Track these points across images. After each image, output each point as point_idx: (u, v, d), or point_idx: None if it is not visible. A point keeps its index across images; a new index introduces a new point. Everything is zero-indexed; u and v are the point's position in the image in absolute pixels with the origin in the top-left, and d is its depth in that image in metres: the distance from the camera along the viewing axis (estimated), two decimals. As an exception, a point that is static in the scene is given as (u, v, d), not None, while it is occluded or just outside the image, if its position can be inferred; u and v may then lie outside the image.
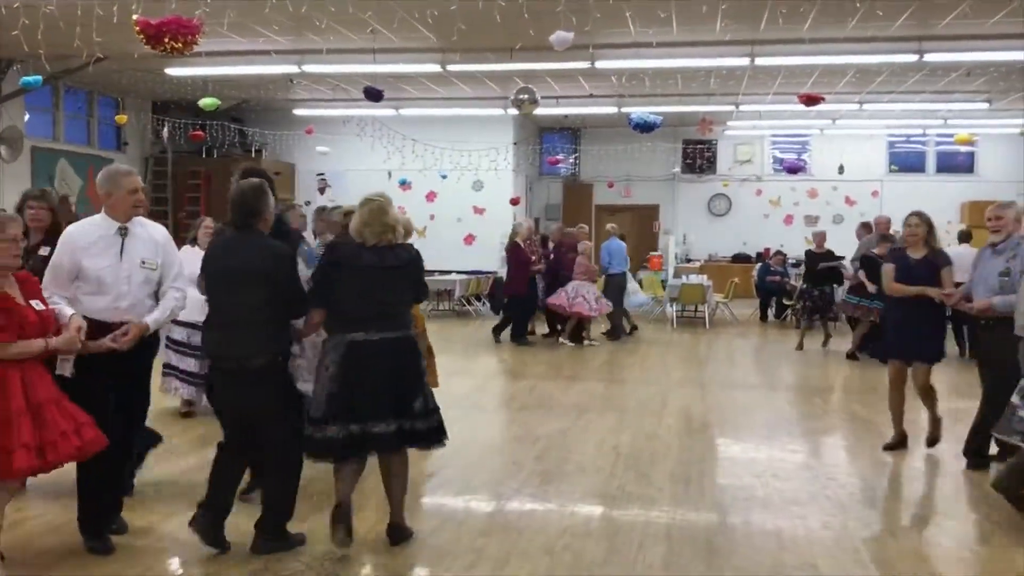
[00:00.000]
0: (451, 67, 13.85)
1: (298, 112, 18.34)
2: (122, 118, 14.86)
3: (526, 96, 10.41)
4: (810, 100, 11.40)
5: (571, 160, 22.11)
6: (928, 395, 6.46)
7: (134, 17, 6.14)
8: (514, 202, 19.05)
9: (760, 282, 16.13)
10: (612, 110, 17.86)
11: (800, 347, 12.21)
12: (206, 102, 12.69)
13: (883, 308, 7.05)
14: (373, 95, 11.35)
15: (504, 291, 12.81)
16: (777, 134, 21.27)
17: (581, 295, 12.35)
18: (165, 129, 15.79)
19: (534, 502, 5.36)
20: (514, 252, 12.69)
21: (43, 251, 4.85)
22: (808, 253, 13.13)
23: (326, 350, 4.39)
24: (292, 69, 13.80)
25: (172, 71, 14.19)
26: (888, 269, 6.47)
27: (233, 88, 15.89)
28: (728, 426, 7.72)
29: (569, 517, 5.08)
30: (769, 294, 16.04)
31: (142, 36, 6.05)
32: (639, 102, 16.98)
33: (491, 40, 11.94)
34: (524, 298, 12.67)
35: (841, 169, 19.64)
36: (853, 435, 7.30)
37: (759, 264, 17.31)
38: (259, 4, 9.47)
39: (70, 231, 4.43)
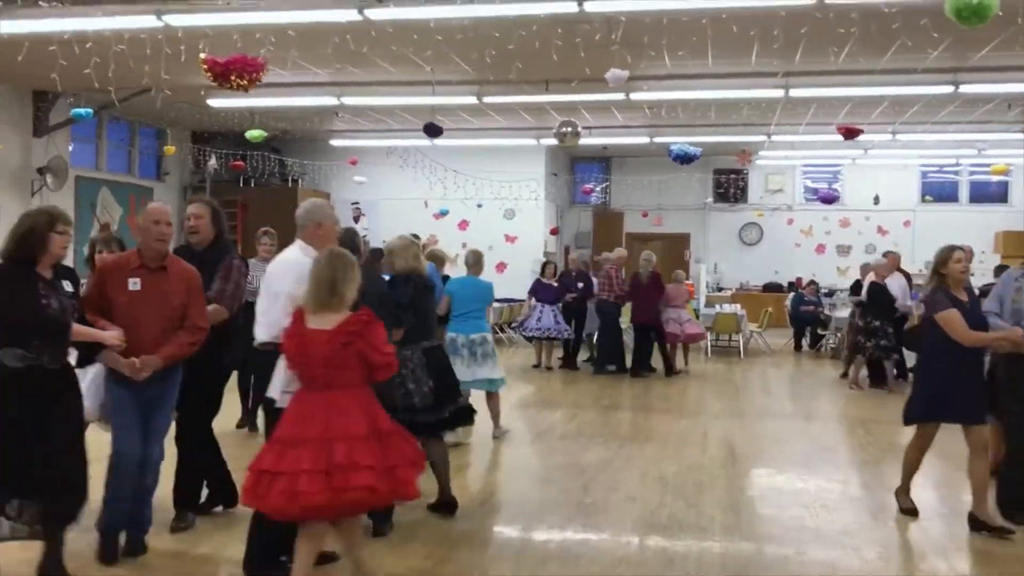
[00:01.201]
0: (487, 99, 14.06)
1: (334, 143, 18.64)
2: (170, 149, 15.18)
3: (568, 129, 10.58)
4: (849, 133, 11.42)
5: (601, 189, 22.27)
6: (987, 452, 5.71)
7: (201, 56, 6.33)
8: (553, 232, 19.25)
9: (794, 312, 16.09)
10: (644, 140, 18.01)
11: (855, 383, 11.35)
12: (253, 134, 12.94)
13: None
14: (432, 131, 11.71)
15: (633, 320, 12.51)
16: (809, 164, 21.32)
17: (687, 320, 12.86)
18: (213, 159, 16.12)
19: (587, 531, 5.41)
20: (654, 281, 12.61)
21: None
22: (875, 287, 11.22)
23: (406, 356, 5.21)
24: (332, 101, 14.07)
25: (214, 102, 14.50)
26: (956, 316, 5.35)
27: (279, 120, 16.15)
28: (771, 456, 7.73)
29: (624, 546, 5.13)
30: (803, 324, 16.00)
31: (209, 74, 6.24)
32: (671, 132, 17.12)
33: (528, 73, 12.15)
34: (651, 328, 12.60)
35: (877, 200, 19.64)
36: (898, 467, 7.26)
37: (793, 294, 17.26)
38: (321, 43, 9.72)
39: (295, 259, 4.35)
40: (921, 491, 6.48)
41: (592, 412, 9.63)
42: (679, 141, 15.72)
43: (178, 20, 9.44)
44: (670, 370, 12.44)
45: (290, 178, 18.93)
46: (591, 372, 12.62)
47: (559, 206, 21.70)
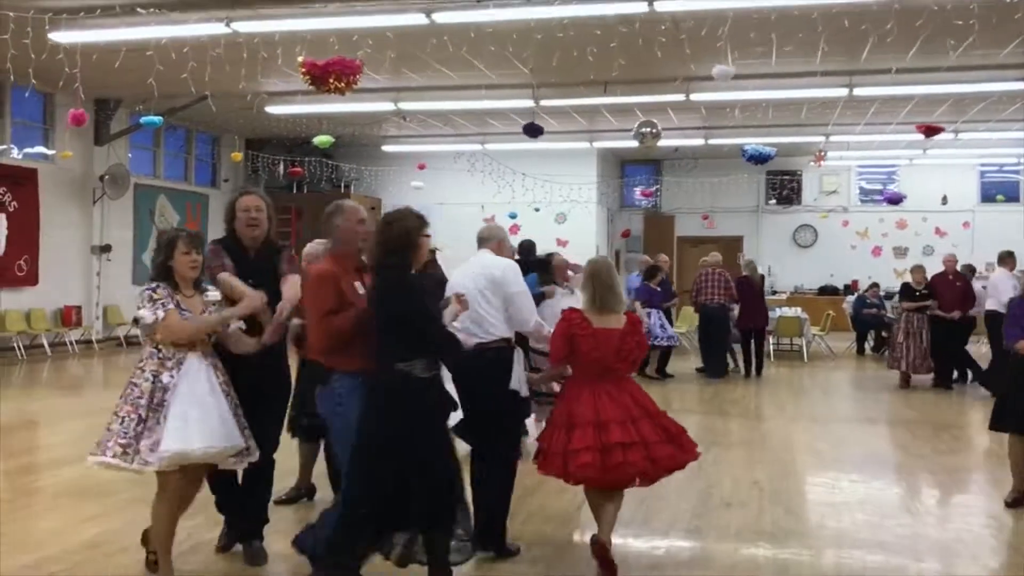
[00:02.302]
0: (544, 102, 14.00)
1: (386, 148, 18.69)
2: (237, 156, 15.31)
3: (648, 129, 10.47)
4: (930, 131, 11.18)
5: (652, 191, 22.13)
6: None
7: (299, 59, 6.32)
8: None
9: (856, 315, 15.80)
10: (698, 142, 17.85)
11: None
12: (322, 139, 13.00)
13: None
14: (532, 131, 11.82)
15: (739, 325, 12.41)
16: (864, 164, 20.98)
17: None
18: (281, 166, 16.29)
19: (692, 538, 5.28)
20: (762, 284, 12.68)
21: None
22: None
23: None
24: (388, 106, 14.09)
25: (272, 109, 14.58)
26: None
27: (345, 125, 16.17)
28: (860, 461, 7.51)
29: (733, 553, 5.00)
30: (866, 327, 15.71)
31: (307, 77, 6.22)
32: (726, 133, 16.94)
33: (585, 74, 12.08)
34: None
35: (945, 200, 19.31)
36: (995, 473, 7.04)
37: (854, 297, 16.93)
38: (420, 46, 9.71)
39: (514, 264, 4.78)
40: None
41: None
42: (736, 143, 15.56)
43: (247, 27, 9.51)
44: (759, 371, 12.50)
45: (342, 183, 19.01)
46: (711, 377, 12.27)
47: (610, 209, 21.56)
